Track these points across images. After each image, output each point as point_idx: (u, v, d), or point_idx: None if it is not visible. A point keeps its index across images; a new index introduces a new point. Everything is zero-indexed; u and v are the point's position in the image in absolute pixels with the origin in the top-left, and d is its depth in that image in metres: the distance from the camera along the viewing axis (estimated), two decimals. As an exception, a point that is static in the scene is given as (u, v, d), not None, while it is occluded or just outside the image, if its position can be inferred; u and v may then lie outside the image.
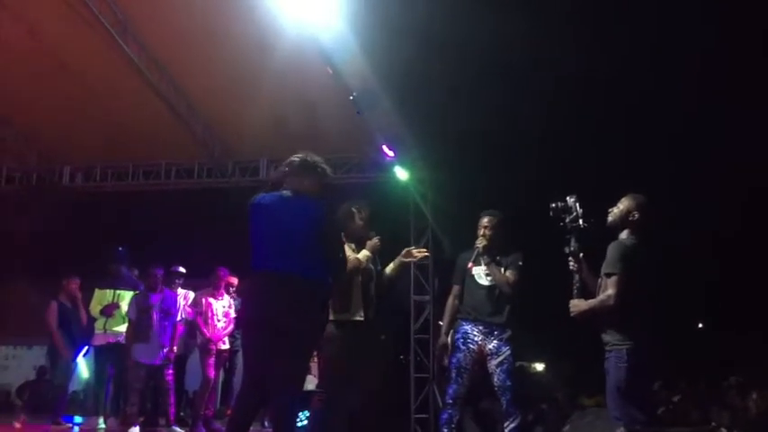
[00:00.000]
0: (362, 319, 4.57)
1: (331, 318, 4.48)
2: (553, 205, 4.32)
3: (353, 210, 4.82)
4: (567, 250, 4.23)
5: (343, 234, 4.68)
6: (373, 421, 4.81)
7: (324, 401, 4.50)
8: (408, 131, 7.81)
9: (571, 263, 4.20)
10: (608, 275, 3.93)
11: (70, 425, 7.50)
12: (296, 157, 3.94)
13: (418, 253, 5.03)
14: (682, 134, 16.52)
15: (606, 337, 3.96)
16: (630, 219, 4.08)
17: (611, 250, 3.99)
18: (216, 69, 7.19)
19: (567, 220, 4.25)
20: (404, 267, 5.08)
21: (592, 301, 4.03)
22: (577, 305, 4.07)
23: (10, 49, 6.81)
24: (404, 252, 4.98)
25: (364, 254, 4.68)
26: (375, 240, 4.75)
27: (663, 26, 14.32)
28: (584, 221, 4.23)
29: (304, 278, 3.63)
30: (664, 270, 4.28)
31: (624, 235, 4.07)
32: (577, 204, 4.27)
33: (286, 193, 3.85)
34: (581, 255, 4.20)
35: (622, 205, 4.13)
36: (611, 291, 3.88)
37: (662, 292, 4.15)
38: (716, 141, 16.26)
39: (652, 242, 4.11)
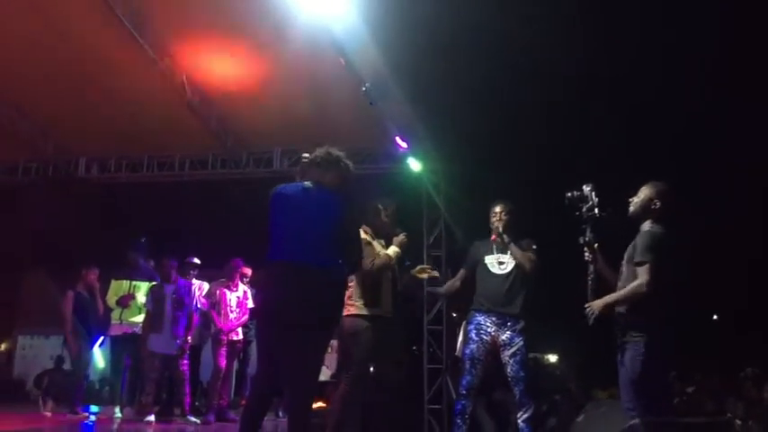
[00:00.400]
0: (391, 315, 4.65)
1: (362, 312, 4.56)
2: (569, 194, 4.24)
3: (380, 207, 4.88)
4: (581, 240, 4.15)
5: (370, 230, 4.76)
6: (388, 412, 4.84)
7: (345, 392, 4.53)
8: (421, 123, 7.80)
9: (586, 253, 4.13)
10: (638, 264, 3.83)
11: (87, 414, 7.58)
12: (319, 151, 3.97)
13: (431, 270, 5.19)
14: (699, 124, 16.41)
15: (624, 329, 3.89)
16: (652, 207, 3.99)
17: (642, 239, 3.90)
18: (229, 60, 7.21)
19: (584, 209, 4.17)
20: (416, 280, 5.19)
21: (619, 293, 3.95)
22: (598, 304, 3.96)
23: (26, 41, 6.86)
24: (418, 268, 5.11)
25: (393, 250, 4.77)
26: (402, 237, 4.84)
27: (670, 20, 14.23)
28: (600, 211, 4.15)
29: (320, 269, 3.65)
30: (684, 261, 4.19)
31: (647, 225, 3.98)
32: (593, 193, 4.19)
33: (308, 184, 3.87)
34: (596, 245, 4.13)
35: (643, 194, 4.03)
36: (643, 278, 3.79)
37: (683, 285, 4.09)
38: (738, 129, 16.15)
39: (675, 231, 4.01)
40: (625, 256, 4.01)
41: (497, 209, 5.17)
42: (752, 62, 14.56)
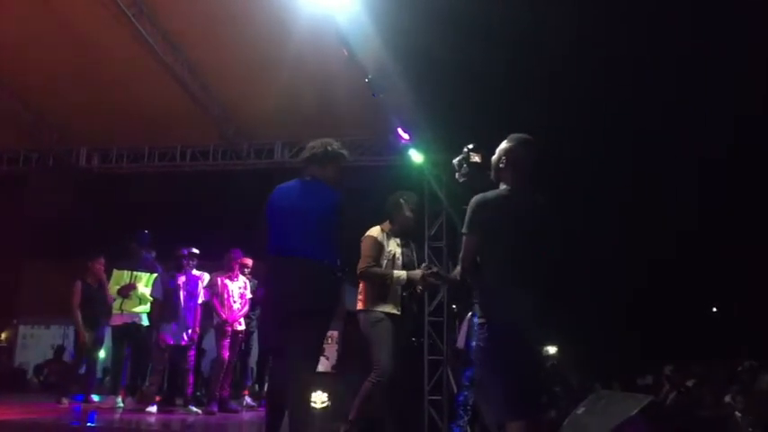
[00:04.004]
0: (399, 313, 4.75)
1: (368, 308, 4.68)
2: (455, 160, 3.66)
3: (402, 201, 4.89)
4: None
5: (389, 227, 4.78)
6: (388, 403, 4.87)
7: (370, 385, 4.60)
8: (423, 114, 7.78)
9: None
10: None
11: (89, 403, 7.59)
12: (318, 147, 3.99)
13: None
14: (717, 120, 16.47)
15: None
16: (501, 166, 3.35)
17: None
18: (231, 51, 7.18)
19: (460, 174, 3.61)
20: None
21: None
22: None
23: (27, 30, 6.84)
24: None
25: (399, 276, 4.74)
26: (423, 275, 4.68)
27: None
28: (470, 175, 3.56)
29: (315, 261, 3.72)
30: (555, 230, 3.41)
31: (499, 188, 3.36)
32: (468, 157, 3.58)
33: (306, 179, 3.92)
34: None
35: (495, 153, 3.40)
36: (460, 255, 3.26)
37: (546, 258, 3.30)
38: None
39: (536, 193, 3.35)
40: None
41: None
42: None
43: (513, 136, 3.39)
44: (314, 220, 3.78)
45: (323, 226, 3.78)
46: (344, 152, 4.10)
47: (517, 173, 3.31)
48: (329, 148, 4.00)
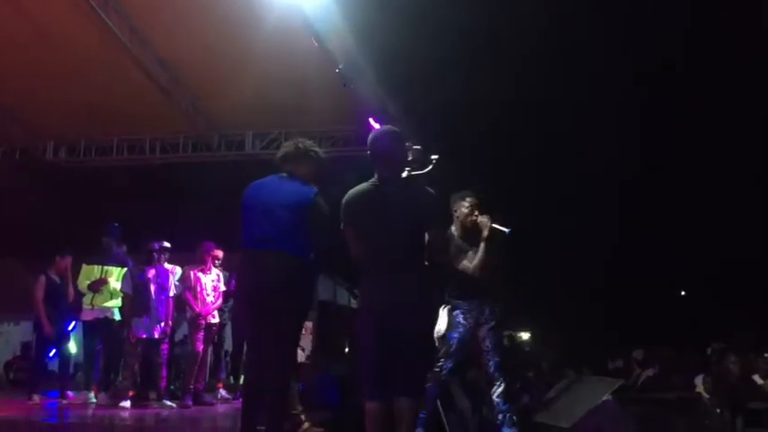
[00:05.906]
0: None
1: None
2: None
3: None
4: None
5: None
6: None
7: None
8: (395, 104, 7.80)
9: None
10: None
11: (63, 398, 7.52)
12: (290, 146, 4.05)
13: None
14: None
15: None
16: None
17: None
18: (201, 42, 7.13)
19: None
20: None
21: None
22: None
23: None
24: None
25: None
26: None
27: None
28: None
29: (290, 255, 3.75)
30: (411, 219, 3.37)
31: None
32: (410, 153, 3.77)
33: (282, 175, 3.97)
34: None
35: None
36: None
37: (421, 245, 3.39)
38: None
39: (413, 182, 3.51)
40: None
41: (474, 201, 4.99)
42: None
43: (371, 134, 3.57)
44: (287, 215, 3.82)
45: (296, 220, 3.81)
46: (316, 149, 4.16)
47: (377, 164, 3.48)
48: (300, 145, 4.06)
